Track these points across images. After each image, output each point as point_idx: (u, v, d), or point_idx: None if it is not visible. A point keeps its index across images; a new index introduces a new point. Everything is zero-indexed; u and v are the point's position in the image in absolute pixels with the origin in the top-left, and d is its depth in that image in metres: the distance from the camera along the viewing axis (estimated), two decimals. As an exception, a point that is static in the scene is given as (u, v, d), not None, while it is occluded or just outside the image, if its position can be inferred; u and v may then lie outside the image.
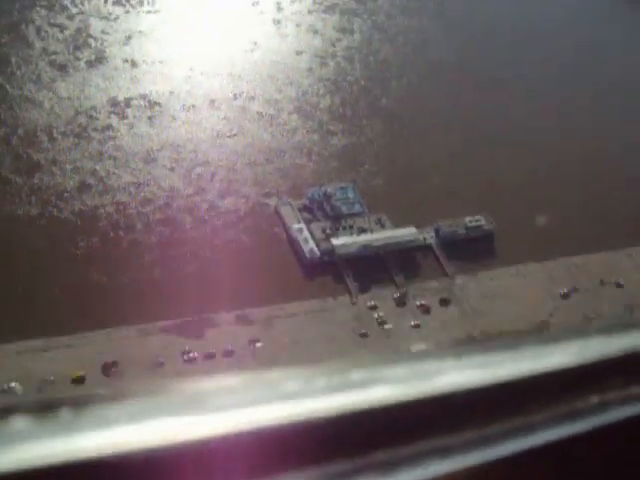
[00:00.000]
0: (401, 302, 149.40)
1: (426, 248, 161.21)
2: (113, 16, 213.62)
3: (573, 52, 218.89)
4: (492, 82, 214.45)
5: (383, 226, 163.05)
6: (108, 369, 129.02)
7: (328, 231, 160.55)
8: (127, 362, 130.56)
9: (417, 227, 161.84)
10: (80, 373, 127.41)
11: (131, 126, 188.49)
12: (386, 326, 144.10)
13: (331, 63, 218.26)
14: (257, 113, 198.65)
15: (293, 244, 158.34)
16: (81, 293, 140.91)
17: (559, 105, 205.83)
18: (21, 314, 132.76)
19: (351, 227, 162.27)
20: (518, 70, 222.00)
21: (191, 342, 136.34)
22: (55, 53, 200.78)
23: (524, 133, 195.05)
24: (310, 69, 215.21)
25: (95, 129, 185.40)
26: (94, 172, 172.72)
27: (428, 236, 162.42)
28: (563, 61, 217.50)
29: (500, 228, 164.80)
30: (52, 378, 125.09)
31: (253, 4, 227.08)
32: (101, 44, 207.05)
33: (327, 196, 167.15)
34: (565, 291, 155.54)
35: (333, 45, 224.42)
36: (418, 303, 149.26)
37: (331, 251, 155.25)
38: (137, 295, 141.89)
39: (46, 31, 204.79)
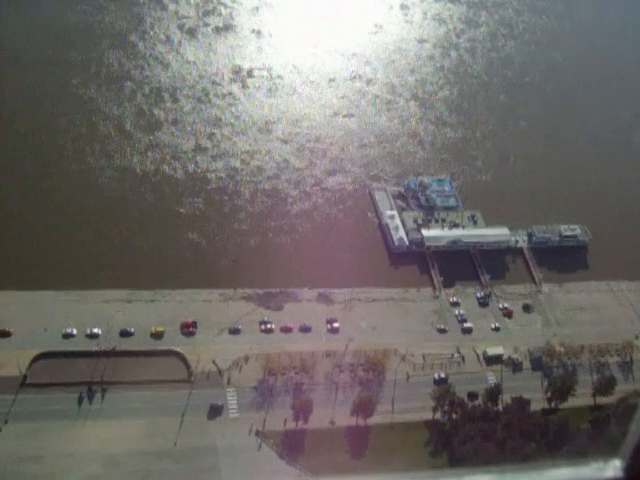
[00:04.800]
0: (484, 302, 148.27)
1: (517, 251, 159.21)
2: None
3: None
4: (611, 89, 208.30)
5: (476, 223, 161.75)
6: (187, 328, 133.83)
7: (419, 221, 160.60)
8: (206, 324, 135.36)
9: (510, 229, 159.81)
10: (160, 328, 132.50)
11: (251, 95, 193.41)
12: (465, 324, 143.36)
13: (453, 54, 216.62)
14: (374, 96, 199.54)
15: (384, 230, 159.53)
16: (175, 250, 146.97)
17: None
18: (113, 264, 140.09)
19: (443, 220, 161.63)
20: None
21: (270, 313, 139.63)
22: (186, 17, 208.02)
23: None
24: (432, 58, 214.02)
25: (216, 94, 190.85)
26: (211, 136, 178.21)
27: (520, 239, 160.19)
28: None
29: (596, 240, 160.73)
30: (132, 330, 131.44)
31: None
32: (230, 12, 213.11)
33: (423, 186, 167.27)
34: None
35: (457, 36, 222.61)
36: (501, 306, 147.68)
37: (420, 242, 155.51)
38: (227, 260, 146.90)
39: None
